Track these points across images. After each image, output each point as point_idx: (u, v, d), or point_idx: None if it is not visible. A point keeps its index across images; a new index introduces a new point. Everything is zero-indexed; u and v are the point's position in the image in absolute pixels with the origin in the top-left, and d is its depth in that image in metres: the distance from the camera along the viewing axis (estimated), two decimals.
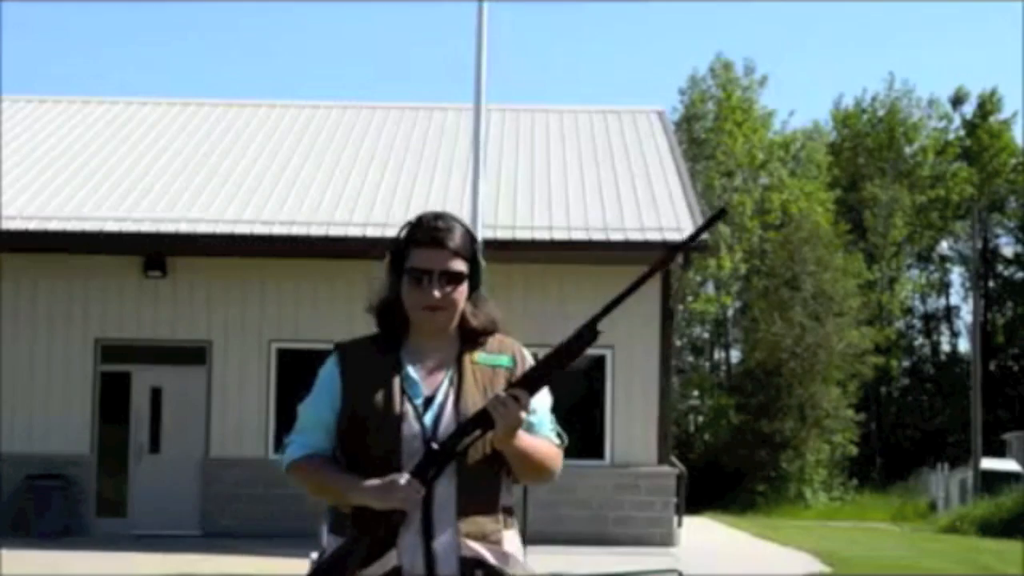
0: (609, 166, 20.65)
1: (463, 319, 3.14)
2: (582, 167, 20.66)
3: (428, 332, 3.12)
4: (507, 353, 3.17)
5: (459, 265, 3.09)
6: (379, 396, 3.06)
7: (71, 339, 18.10)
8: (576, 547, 16.03)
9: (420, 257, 3.07)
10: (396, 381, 3.08)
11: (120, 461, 18.13)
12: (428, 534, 3.00)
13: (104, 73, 73.38)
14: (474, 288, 3.16)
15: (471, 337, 3.15)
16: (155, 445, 18.19)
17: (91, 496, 17.94)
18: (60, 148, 21.00)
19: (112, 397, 18.17)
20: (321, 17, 76.45)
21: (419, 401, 3.06)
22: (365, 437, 3.04)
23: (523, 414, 2.96)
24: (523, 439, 3.04)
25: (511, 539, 3.13)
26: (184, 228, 17.98)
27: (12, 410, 17.81)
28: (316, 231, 17.93)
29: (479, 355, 3.14)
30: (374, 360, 3.13)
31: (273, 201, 18.84)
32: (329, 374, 3.16)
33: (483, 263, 3.18)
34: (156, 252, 18.07)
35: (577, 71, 72.74)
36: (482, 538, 3.04)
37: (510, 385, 3.02)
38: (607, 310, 3.02)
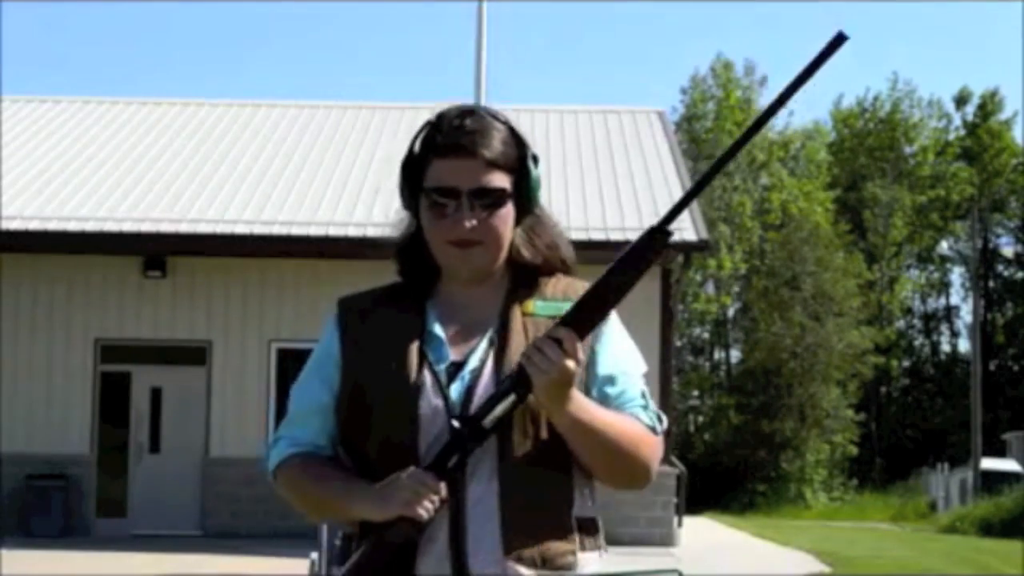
0: (609, 166, 20.65)
1: (513, 253, 2.28)
2: (582, 167, 20.65)
3: (464, 277, 2.26)
4: (573, 299, 2.21)
5: (498, 179, 2.21)
6: (388, 363, 2.22)
7: (71, 339, 18.10)
8: None
9: (441, 172, 2.21)
10: (414, 342, 2.22)
11: (120, 461, 18.13)
12: (459, 559, 2.14)
13: (104, 73, 73.44)
14: (525, 211, 2.27)
15: (525, 278, 2.29)
16: (155, 445, 18.18)
17: (91, 496, 17.93)
18: (60, 148, 20.99)
19: (112, 397, 18.16)
20: (321, 17, 76.53)
21: (443, 367, 2.21)
22: (369, 420, 2.21)
23: (570, 363, 2.08)
24: (587, 409, 2.14)
25: (588, 566, 2.21)
26: (184, 228, 17.97)
27: (12, 410, 17.80)
28: (316, 231, 17.93)
29: (535, 303, 2.25)
30: (387, 316, 2.27)
31: (273, 201, 18.84)
32: (326, 341, 2.32)
33: (536, 174, 2.27)
34: (156, 252, 18.06)
35: (577, 71, 72.81)
36: (542, 563, 2.15)
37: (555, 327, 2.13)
38: (685, 203, 2.17)
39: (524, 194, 2.25)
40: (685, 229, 17.87)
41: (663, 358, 18.02)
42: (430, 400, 2.18)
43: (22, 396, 17.88)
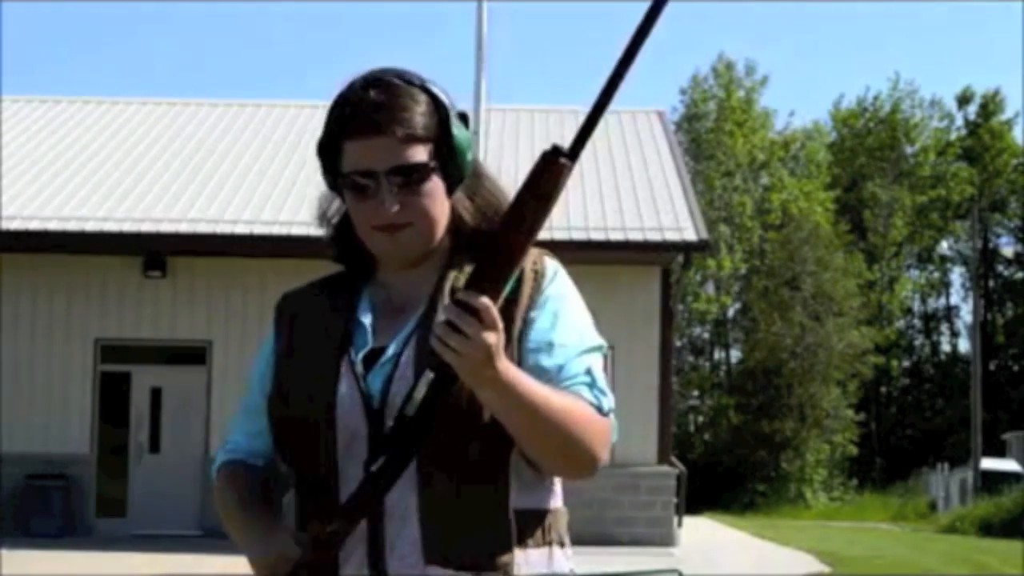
0: (609, 166, 20.65)
1: (457, 222, 2.04)
2: (582, 167, 20.58)
3: (398, 262, 2.05)
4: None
5: (417, 153, 1.96)
6: (307, 355, 2.04)
7: (71, 339, 18.10)
8: (576, 547, 15.92)
9: (355, 155, 1.98)
10: (338, 332, 2.03)
11: (120, 461, 18.14)
12: (378, 566, 1.95)
13: (104, 73, 73.46)
14: (458, 178, 2.02)
15: (466, 248, 2.04)
16: (155, 445, 18.19)
17: (91, 496, 17.94)
18: (60, 148, 21.00)
19: (112, 397, 18.17)
20: (320, 17, 76.56)
21: (361, 355, 2.00)
22: (289, 415, 2.02)
23: (491, 336, 1.75)
24: (519, 382, 1.83)
25: (535, 565, 1.99)
26: (184, 228, 17.98)
27: (12, 410, 17.81)
28: (316, 231, 17.92)
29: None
30: (320, 306, 2.11)
31: (273, 201, 18.84)
32: (266, 341, 2.17)
33: (464, 135, 2.02)
34: (156, 252, 18.08)
35: (577, 71, 72.84)
36: (468, 566, 1.92)
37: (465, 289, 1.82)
38: (591, 123, 1.81)
39: (452, 160, 2.00)
40: (685, 229, 17.88)
41: (663, 358, 18.01)
42: (345, 391, 1.96)
43: (22, 396, 17.88)
